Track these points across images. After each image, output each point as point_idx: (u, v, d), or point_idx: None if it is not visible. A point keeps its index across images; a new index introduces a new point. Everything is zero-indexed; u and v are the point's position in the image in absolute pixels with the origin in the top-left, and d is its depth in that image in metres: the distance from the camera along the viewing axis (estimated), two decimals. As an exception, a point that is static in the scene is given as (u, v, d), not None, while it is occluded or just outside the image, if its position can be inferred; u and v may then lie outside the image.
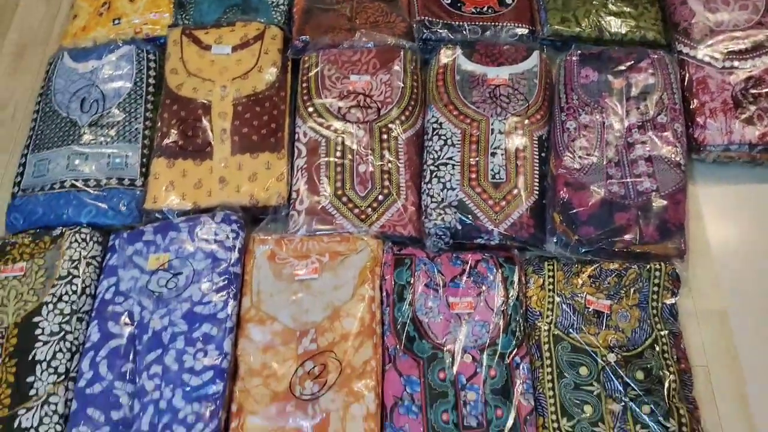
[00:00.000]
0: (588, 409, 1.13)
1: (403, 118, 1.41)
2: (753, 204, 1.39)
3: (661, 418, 1.11)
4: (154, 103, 1.46)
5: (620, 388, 1.14)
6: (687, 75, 1.44)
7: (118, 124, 1.41)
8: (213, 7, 1.57)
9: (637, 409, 1.12)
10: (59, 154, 1.38)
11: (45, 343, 1.18)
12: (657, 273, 1.24)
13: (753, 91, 1.39)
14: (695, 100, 1.41)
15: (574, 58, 1.46)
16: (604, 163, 1.33)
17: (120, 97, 1.44)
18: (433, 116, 1.41)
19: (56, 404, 1.14)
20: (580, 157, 1.34)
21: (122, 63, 1.48)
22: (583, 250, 1.26)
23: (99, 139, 1.39)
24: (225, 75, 1.45)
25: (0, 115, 1.57)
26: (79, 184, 1.34)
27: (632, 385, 1.14)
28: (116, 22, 1.56)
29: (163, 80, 1.48)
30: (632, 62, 1.44)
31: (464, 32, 1.52)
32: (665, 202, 1.28)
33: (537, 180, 1.33)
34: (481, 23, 1.53)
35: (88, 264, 1.26)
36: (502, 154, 1.34)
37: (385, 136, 1.38)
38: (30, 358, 1.17)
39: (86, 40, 1.54)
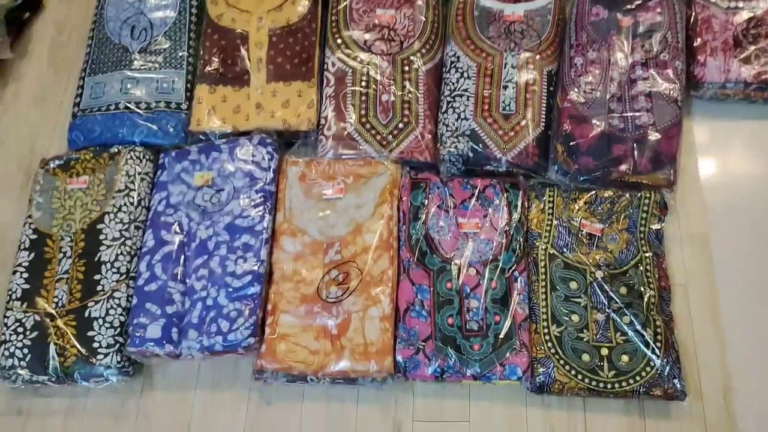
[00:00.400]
0: (575, 317, 1.30)
1: (423, 50, 1.53)
2: (744, 139, 1.50)
3: (639, 327, 1.28)
4: (197, 32, 1.59)
5: (604, 301, 1.31)
6: (693, 14, 1.53)
7: (164, 51, 1.55)
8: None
9: (618, 319, 1.29)
10: (113, 78, 1.54)
11: (108, 246, 1.37)
12: (646, 201, 1.38)
13: (753, 31, 1.48)
14: (699, 39, 1.50)
15: (586, -4, 1.55)
16: (607, 97, 1.45)
17: (166, 25, 1.58)
18: (451, 50, 1.53)
19: (119, 299, 1.34)
20: (585, 91, 1.45)
21: (167, -8, 1.61)
22: (582, 179, 1.40)
23: (148, 65, 1.54)
24: (261, 7, 1.57)
25: (58, 38, 1.71)
26: (131, 106, 1.50)
27: (615, 298, 1.31)
28: (160, -49, 1.67)
29: (204, 10, 1.60)
30: (641, 1, 1.53)
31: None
32: (659, 136, 1.40)
33: (544, 112, 1.46)
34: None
35: (142, 179, 1.44)
36: (513, 88, 1.47)
37: (406, 68, 1.51)
38: (96, 259, 1.36)
39: (137, -29, 1.66)
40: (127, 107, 1.51)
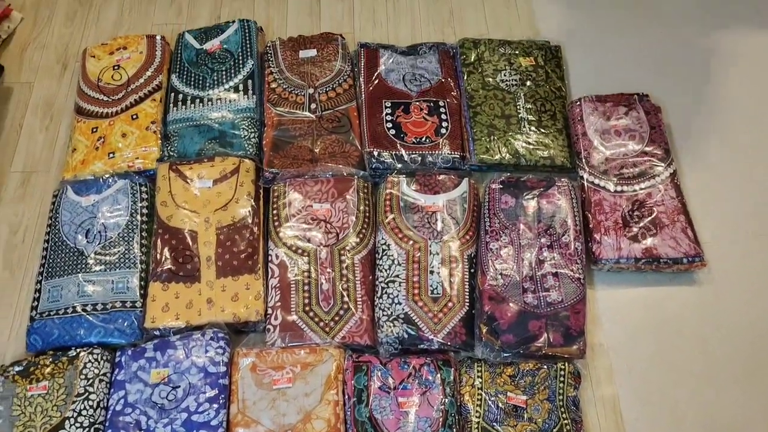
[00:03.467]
0: (508, 488, 1.45)
1: (357, 240, 1.71)
2: (641, 303, 1.73)
3: (564, 493, 1.44)
4: (148, 231, 1.73)
5: (533, 470, 1.47)
6: (587, 196, 1.78)
7: (118, 253, 1.68)
8: (194, 140, 1.85)
9: (546, 486, 1.45)
10: (70, 281, 1.64)
11: (69, 452, 1.45)
12: (562, 372, 1.57)
13: (636, 212, 1.74)
14: (593, 219, 1.75)
15: (495, 186, 1.79)
16: (520, 279, 1.65)
17: (119, 228, 1.71)
18: (382, 238, 1.72)
19: (82, 504, 1.40)
20: (501, 274, 1.66)
21: (119, 196, 1.75)
22: (505, 354, 1.58)
23: (103, 267, 1.66)
24: (208, 207, 1.73)
25: (12, 239, 1.82)
26: (88, 308, 1.61)
27: (542, 467, 1.47)
28: (111, 155, 1.82)
29: (154, 210, 1.75)
30: (543, 189, 1.77)
31: (406, 160, 1.84)
32: (568, 312, 1.61)
33: (467, 293, 1.65)
34: (420, 152, 1.85)
35: (100, 381, 1.53)
36: (438, 272, 1.66)
37: (343, 257, 1.69)
38: (57, 467, 1.43)
39: (85, 172, 1.80)
40: (84, 310, 1.61)
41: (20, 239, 1.82)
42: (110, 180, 1.78)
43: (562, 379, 1.56)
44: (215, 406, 1.49)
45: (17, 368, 1.56)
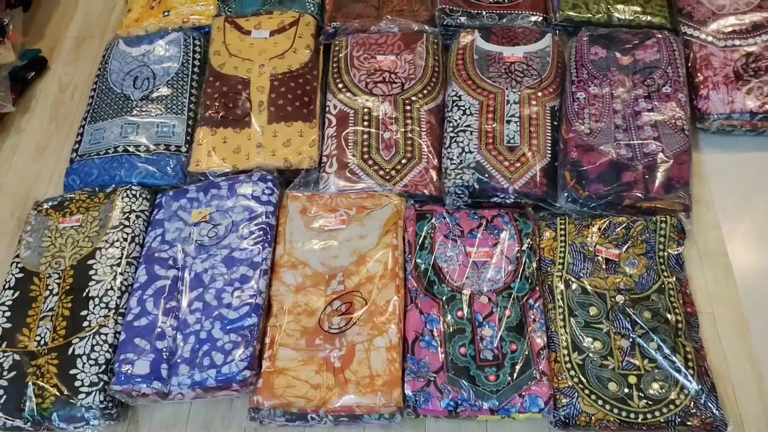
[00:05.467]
0: (597, 344, 1.21)
1: (425, 92, 1.52)
2: (753, 167, 1.47)
3: (668, 353, 1.18)
4: (198, 82, 1.60)
5: (628, 326, 1.22)
6: (691, 54, 1.54)
7: (166, 99, 1.55)
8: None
9: (645, 345, 1.20)
10: (113, 124, 1.52)
11: (98, 282, 1.30)
12: (663, 225, 1.32)
13: (753, 65, 1.49)
14: (699, 75, 1.51)
15: (584, 38, 1.57)
16: (612, 128, 1.42)
17: (168, 75, 1.59)
18: (453, 90, 1.53)
19: (106, 335, 1.25)
20: (589, 123, 1.43)
21: (171, 47, 1.63)
22: (592, 205, 1.35)
23: (149, 112, 1.53)
24: (263, 55, 1.59)
25: (61, 96, 1.72)
26: (130, 149, 1.48)
27: (640, 323, 1.22)
28: (166, 14, 1.71)
29: (207, 62, 1.62)
30: (638, 41, 1.54)
31: (482, 20, 1.65)
32: (670, 162, 1.37)
33: (549, 144, 1.43)
34: (498, 11, 1.65)
35: (137, 216, 1.39)
36: (516, 122, 1.45)
37: (408, 107, 1.50)
38: (84, 295, 1.28)
39: (139, 29, 1.70)
40: (126, 150, 1.48)
41: (68, 96, 1.72)
42: (163, 33, 1.67)
43: (662, 233, 1.32)
44: (259, 243, 1.32)
45: (51, 203, 1.44)
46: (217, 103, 1.53)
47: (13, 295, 1.31)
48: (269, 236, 1.34)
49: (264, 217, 1.36)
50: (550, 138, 1.44)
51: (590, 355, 1.20)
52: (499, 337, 1.22)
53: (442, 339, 1.23)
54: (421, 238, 1.34)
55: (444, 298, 1.27)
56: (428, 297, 1.27)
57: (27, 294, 1.31)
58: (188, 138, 1.52)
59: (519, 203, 1.40)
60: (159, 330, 1.24)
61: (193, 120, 1.55)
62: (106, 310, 1.27)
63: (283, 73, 1.56)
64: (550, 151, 1.42)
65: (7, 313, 1.29)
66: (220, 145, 1.48)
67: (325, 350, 1.22)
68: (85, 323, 1.25)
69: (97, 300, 1.28)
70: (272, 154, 1.46)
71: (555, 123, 1.47)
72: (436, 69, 1.57)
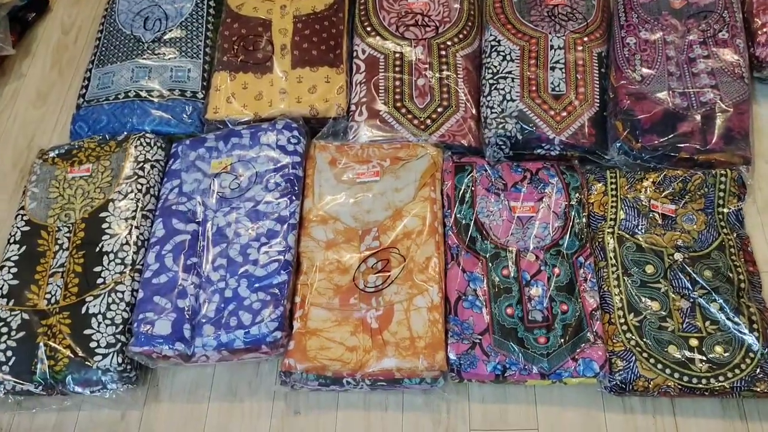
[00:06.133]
0: (655, 305, 1.12)
1: (461, 36, 1.41)
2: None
3: (731, 314, 1.09)
4: (215, 24, 1.49)
5: (688, 285, 1.13)
6: (747, -3, 1.43)
7: (180, 41, 1.43)
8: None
9: (706, 305, 1.11)
10: (123, 67, 1.41)
11: (112, 236, 1.19)
12: (722, 179, 1.22)
13: (817, 9, 1.38)
14: (757, 20, 1.40)
15: (632, -20, 1.46)
16: (666, 76, 1.32)
17: (182, 16, 1.47)
18: (491, 35, 1.42)
19: (123, 293, 1.15)
20: (641, 69, 1.33)
21: (183, -15, 1.51)
22: (647, 157, 1.25)
23: (162, 55, 1.41)
24: (285, -5, 1.47)
25: (64, 39, 1.60)
26: (143, 94, 1.36)
27: (701, 282, 1.13)
28: (177, -48, 1.58)
29: (222, 2, 1.50)
30: (692, -17, 1.43)
31: (520, -40, 1.53)
32: (730, 112, 1.26)
33: (597, 92, 1.33)
34: (539, -48, 1.53)
35: (152, 166, 1.28)
36: (561, 69, 1.34)
37: (443, 53, 1.39)
38: (97, 249, 1.18)
39: (148, -32, 1.57)
40: (138, 95, 1.37)
41: (72, 40, 1.60)
42: (174, -29, 1.54)
43: (722, 186, 1.22)
44: (285, 196, 1.22)
45: (57, 151, 1.33)
46: (236, 47, 1.41)
47: (19, 249, 1.21)
48: (296, 188, 1.24)
49: (290, 168, 1.25)
50: (598, 85, 1.33)
51: (648, 316, 1.11)
52: (548, 296, 1.13)
53: (487, 299, 1.13)
54: (461, 192, 1.24)
55: (488, 256, 1.17)
56: (470, 254, 1.18)
57: (34, 248, 1.21)
58: (204, 83, 1.40)
59: (564, 155, 1.30)
60: (180, 287, 1.14)
61: (209, 64, 1.43)
62: (122, 266, 1.17)
63: (307, 14, 1.44)
64: (598, 100, 1.32)
65: (14, 269, 1.19)
66: (239, 91, 1.37)
67: (361, 310, 1.13)
68: (100, 280, 1.15)
69: (111, 255, 1.17)
70: (297, 101, 1.35)
71: (602, 70, 1.36)
72: (472, 12, 1.46)
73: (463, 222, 1.21)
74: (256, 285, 1.13)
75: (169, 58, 1.41)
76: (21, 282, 1.17)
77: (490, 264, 1.16)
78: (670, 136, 1.25)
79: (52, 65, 1.56)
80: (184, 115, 1.35)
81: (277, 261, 1.15)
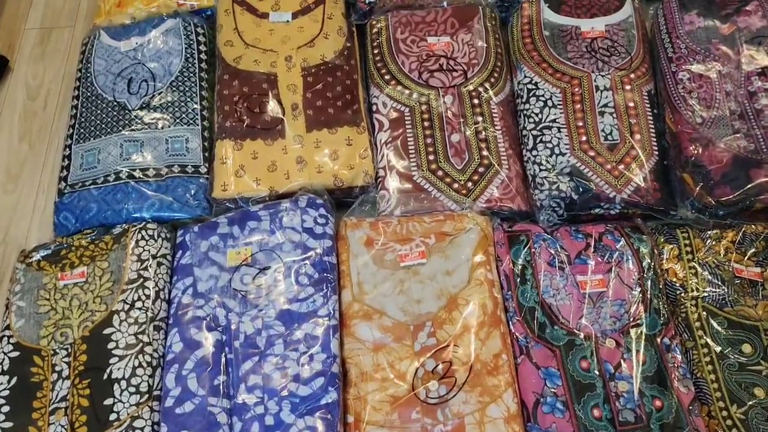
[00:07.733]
0: (759, 392, 0.98)
1: (492, 80, 1.25)
2: None
3: None
4: (209, 81, 1.29)
5: (792, 365, 1.00)
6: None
7: (172, 105, 1.24)
8: (264, -27, 1.40)
9: (816, 388, 0.98)
10: (109, 142, 1.21)
11: (121, 358, 1.01)
12: (810, 233, 1.10)
13: None
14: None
15: (673, 5, 1.31)
16: (728, 115, 1.18)
17: (171, 75, 1.27)
18: (525, 76, 1.26)
19: (142, 429, 0.96)
20: (700, 109, 1.19)
21: (169, 38, 1.31)
22: (722, 213, 1.11)
23: (152, 124, 1.22)
24: (288, 44, 1.28)
25: (31, 106, 1.38)
26: (136, 174, 1.17)
27: (806, 360, 1.00)
28: (155, -5, 1.38)
29: (216, 55, 1.31)
30: (738, 5, 1.29)
31: (545, -14, 1.37)
32: (807, 154, 1.14)
33: (654, 138, 1.19)
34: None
35: (159, 263, 1.09)
36: (611, 113, 1.19)
37: (476, 101, 1.23)
38: (105, 376, 0.99)
39: (123, 16, 1.37)
40: (131, 175, 1.17)
41: (40, 105, 1.38)
42: (156, 20, 1.34)
43: (811, 243, 1.09)
44: (321, 290, 1.05)
45: (43, 252, 1.12)
46: (238, 109, 1.22)
47: (9, 382, 1.01)
48: (331, 279, 1.07)
49: (322, 254, 1.08)
50: (654, 130, 1.19)
51: (753, 407, 0.97)
52: (638, 391, 0.98)
53: (568, 399, 0.98)
54: (520, 269, 1.09)
55: (561, 345, 1.02)
56: (541, 345, 1.03)
57: (28, 379, 1.01)
58: (206, 155, 1.22)
59: (626, 213, 1.16)
60: (211, 417, 0.96)
61: (209, 131, 1.24)
62: (138, 396, 0.98)
63: (316, 65, 1.26)
64: (656, 148, 1.18)
65: (5, 408, 0.99)
66: (249, 163, 1.18)
67: (427, 427, 0.96)
68: (113, 416, 0.97)
69: (123, 383, 0.99)
70: (318, 171, 1.17)
71: (655, 111, 1.22)
72: (499, 50, 1.30)
73: (525, 305, 1.06)
74: (302, 408, 0.96)
75: (161, 127, 1.22)
76: (16, 424, 0.98)
77: (564, 356, 1.01)
78: (745, 188, 1.12)
79: (20, 137, 1.35)
80: (188, 196, 1.17)
81: (322, 375, 0.98)
